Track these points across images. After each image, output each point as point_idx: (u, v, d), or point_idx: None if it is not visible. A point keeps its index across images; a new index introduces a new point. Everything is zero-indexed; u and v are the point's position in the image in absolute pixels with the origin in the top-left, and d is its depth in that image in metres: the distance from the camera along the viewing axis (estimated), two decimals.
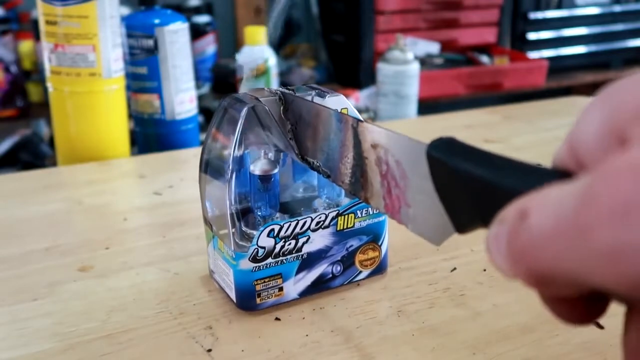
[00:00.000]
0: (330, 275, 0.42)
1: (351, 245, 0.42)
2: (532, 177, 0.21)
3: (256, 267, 0.39)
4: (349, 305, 0.41)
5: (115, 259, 0.49)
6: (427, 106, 1.49)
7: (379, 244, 0.43)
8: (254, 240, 0.38)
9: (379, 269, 0.44)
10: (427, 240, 0.29)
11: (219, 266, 0.42)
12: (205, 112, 1.45)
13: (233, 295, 0.40)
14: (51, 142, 1.42)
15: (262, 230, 0.38)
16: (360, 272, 0.43)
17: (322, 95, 0.40)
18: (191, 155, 0.76)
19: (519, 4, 1.93)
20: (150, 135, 0.82)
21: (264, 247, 0.39)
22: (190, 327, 0.39)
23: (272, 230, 0.38)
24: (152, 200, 0.61)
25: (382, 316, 0.40)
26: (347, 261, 0.42)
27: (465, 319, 0.40)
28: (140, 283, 0.45)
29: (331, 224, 0.40)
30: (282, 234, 0.39)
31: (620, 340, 0.20)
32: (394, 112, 1.24)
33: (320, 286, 0.42)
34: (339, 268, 0.42)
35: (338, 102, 0.40)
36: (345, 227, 0.41)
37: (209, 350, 0.37)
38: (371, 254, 0.43)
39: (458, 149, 0.25)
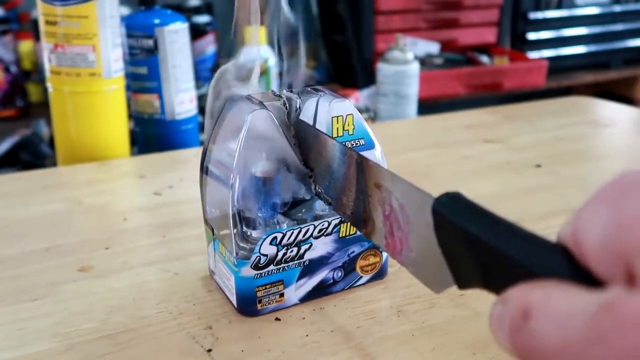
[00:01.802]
0: (332, 281, 0.42)
1: (353, 252, 0.42)
2: (537, 250, 0.21)
3: (258, 274, 0.39)
4: (349, 306, 0.41)
5: (115, 259, 0.49)
6: (427, 106, 1.49)
7: (380, 249, 0.43)
8: (256, 248, 0.38)
9: (380, 274, 0.44)
10: (427, 287, 0.29)
11: (219, 269, 0.42)
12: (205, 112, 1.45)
13: (234, 300, 0.40)
14: (51, 142, 1.42)
15: (265, 239, 0.38)
16: (361, 277, 0.43)
17: (327, 99, 0.40)
18: (191, 155, 0.76)
19: (519, 4, 1.93)
20: (150, 135, 0.82)
21: (266, 255, 0.39)
22: (190, 327, 0.39)
23: (275, 238, 0.38)
24: (152, 200, 0.61)
25: (382, 316, 0.40)
26: (349, 267, 0.42)
27: (465, 319, 0.40)
28: (140, 283, 0.45)
29: (334, 231, 0.40)
30: (284, 241, 0.39)
31: None
32: (394, 112, 1.24)
33: (321, 291, 0.42)
34: (340, 274, 0.42)
35: (343, 107, 0.40)
36: (347, 234, 0.41)
37: (209, 351, 0.37)
38: (372, 259, 0.43)
39: (464, 206, 0.25)
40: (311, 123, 0.39)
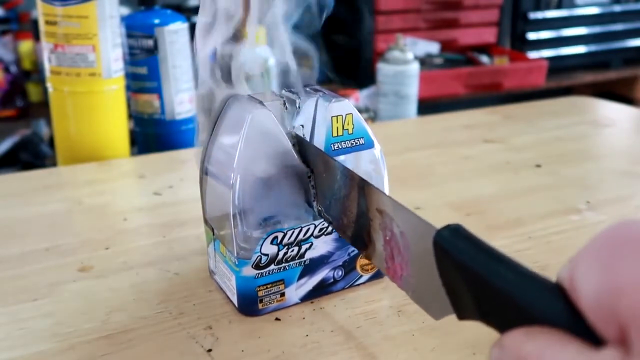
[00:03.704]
0: (332, 280, 0.42)
1: (353, 251, 0.42)
2: (535, 291, 0.22)
3: (259, 273, 0.39)
4: (349, 306, 0.41)
5: (115, 259, 0.49)
6: (427, 106, 1.49)
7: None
8: (257, 248, 0.38)
9: (380, 273, 0.44)
10: (426, 312, 0.29)
11: (220, 269, 0.42)
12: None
13: (235, 300, 0.40)
14: (51, 142, 1.42)
15: (266, 238, 0.38)
16: (361, 276, 0.43)
17: (327, 99, 0.40)
18: (191, 155, 0.76)
19: (519, 4, 1.93)
20: (150, 135, 0.82)
21: (267, 255, 0.39)
22: (190, 327, 0.39)
23: (276, 237, 0.38)
24: (152, 200, 0.61)
25: (382, 316, 0.40)
26: (349, 266, 0.42)
27: None
28: (140, 283, 0.45)
29: (333, 229, 0.40)
30: (285, 241, 0.39)
31: None
32: (394, 112, 1.24)
33: (321, 290, 0.42)
34: (340, 273, 0.42)
35: (343, 107, 0.40)
36: None
37: (209, 351, 0.37)
38: None
39: (465, 240, 0.25)
40: (310, 123, 0.39)
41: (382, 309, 0.41)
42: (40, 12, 0.72)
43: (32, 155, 1.40)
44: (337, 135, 0.40)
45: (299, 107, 0.40)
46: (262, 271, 0.39)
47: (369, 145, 0.41)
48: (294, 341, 0.38)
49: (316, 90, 0.41)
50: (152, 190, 0.63)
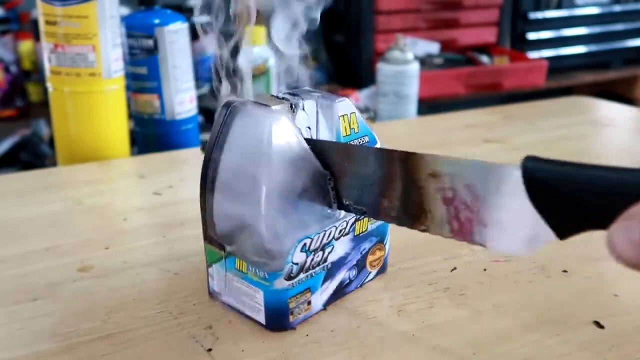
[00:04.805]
0: (348, 281, 0.42)
1: (364, 248, 0.42)
2: (633, 174, 0.24)
3: (290, 284, 0.38)
4: (349, 305, 0.41)
5: (115, 259, 0.49)
6: (427, 106, 1.49)
7: (384, 243, 0.43)
8: (289, 258, 0.37)
9: (383, 268, 0.44)
10: (515, 254, 0.31)
11: (234, 288, 0.40)
12: (205, 112, 1.45)
13: (260, 317, 0.39)
14: (51, 142, 1.42)
15: (297, 246, 0.37)
16: (370, 272, 0.43)
17: (327, 99, 0.39)
18: (191, 155, 0.76)
19: (519, 4, 1.93)
20: (150, 135, 0.82)
21: (297, 263, 0.38)
22: (190, 327, 0.39)
23: (305, 244, 0.37)
24: (152, 200, 0.61)
25: (382, 316, 0.40)
26: (361, 264, 0.42)
27: (465, 319, 0.40)
28: (140, 283, 0.45)
29: (350, 230, 0.40)
30: (312, 246, 0.38)
31: None
32: (394, 112, 1.24)
33: (339, 293, 0.41)
34: (354, 272, 0.42)
35: (347, 106, 0.40)
36: (361, 231, 0.41)
37: (209, 350, 0.37)
38: (378, 253, 0.43)
39: (547, 163, 0.28)
40: (314, 124, 0.39)
41: (382, 309, 0.41)
42: (40, 12, 0.72)
43: (32, 155, 1.40)
44: (347, 135, 0.39)
45: (303, 109, 0.39)
46: (293, 281, 0.38)
47: (372, 142, 0.41)
48: (294, 341, 0.38)
49: (311, 91, 0.41)
50: (152, 190, 0.63)
